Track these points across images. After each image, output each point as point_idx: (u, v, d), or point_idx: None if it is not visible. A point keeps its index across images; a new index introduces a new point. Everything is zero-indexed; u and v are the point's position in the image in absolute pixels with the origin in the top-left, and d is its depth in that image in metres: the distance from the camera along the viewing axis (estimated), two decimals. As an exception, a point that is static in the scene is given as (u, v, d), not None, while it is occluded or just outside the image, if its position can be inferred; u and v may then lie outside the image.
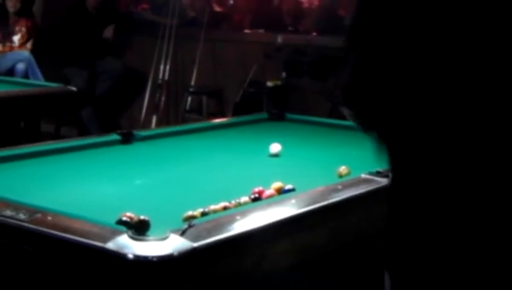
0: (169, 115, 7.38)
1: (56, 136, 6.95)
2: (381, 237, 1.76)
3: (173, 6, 7.30)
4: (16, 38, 7.38)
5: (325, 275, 3.41)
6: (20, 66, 7.17)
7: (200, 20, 7.28)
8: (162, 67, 7.22)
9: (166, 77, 7.22)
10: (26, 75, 7.13)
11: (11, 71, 7.13)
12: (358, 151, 3.54)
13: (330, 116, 5.92)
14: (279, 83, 6.56)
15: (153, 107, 7.24)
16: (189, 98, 6.96)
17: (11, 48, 7.33)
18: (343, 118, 5.13)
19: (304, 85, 6.56)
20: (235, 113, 6.47)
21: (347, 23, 6.60)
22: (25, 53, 7.27)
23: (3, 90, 5.20)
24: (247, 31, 7.24)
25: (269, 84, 6.56)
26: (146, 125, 7.14)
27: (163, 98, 7.23)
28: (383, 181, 2.77)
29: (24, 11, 7.46)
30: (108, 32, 7.42)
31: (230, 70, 6.92)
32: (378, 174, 2.83)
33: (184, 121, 6.95)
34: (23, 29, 7.41)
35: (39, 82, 6.48)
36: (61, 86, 5.57)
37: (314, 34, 6.85)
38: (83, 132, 7.30)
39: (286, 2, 7.13)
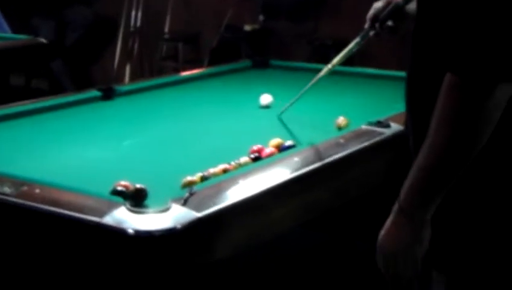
0: (143, 64, 7.14)
1: (26, 89, 6.70)
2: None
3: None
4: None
5: (321, 228, 3.30)
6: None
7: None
8: (133, 13, 6.95)
9: (138, 24, 6.95)
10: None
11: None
12: (352, 99, 3.42)
13: (310, 60, 5.75)
14: (256, 26, 6.35)
15: (126, 56, 6.99)
16: (164, 46, 6.71)
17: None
18: (325, 62, 4.96)
19: (283, 28, 6.35)
20: (212, 60, 6.27)
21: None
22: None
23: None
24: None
25: (247, 28, 6.35)
26: (120, 75, 6.92)
27: (136, 46, 6.98)
28: (385, 132, 2.65)
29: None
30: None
31: (205, 15, 6.68)
32: (379, 124, 2.70)
33: (160, 69, 6.73)
34: None
35: (6, 35, 6.19)
36: (30, 38, 5.33)
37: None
38: (55, 84, 7.05)
39: None
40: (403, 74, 3.89)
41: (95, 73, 7.35)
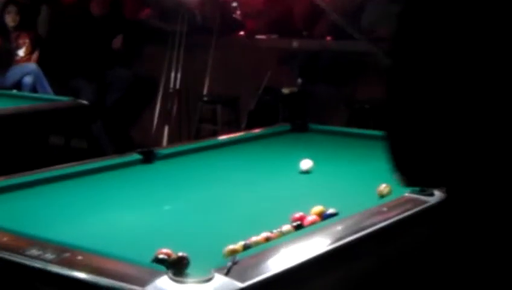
0: (182, 125, 7.19)
1: (65, 149, 6.78)
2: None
3: (182, 13, 7.12)
4: (21, 52, 7.20)
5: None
6: (28, 79, 6.99)
7: (210, 26, 7.10)
8: (173, 75, 7.04)
9: (177, 86, 7.03)
10: (34, 89, 6.96)
11: (18, 85, 6.95)
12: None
13: (349, 123, 5.75)
14: (295, 89, 6.37)
15: (165, 117, 7.06)
16: (203, 108, 6.77)
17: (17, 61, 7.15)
18: (364, 126, 4.96)
19: (320, 91, 6.37)
20: (250, 122, 6.29)
21: (363, 26, 6.49)
22: (32, 65, 7.09)
23: (12, 106, 5.04)
24: (260, 36, 7.04)
25: (284, 91, 6.37)
26: (158, 136, 6.97)
27: (175, 108, 7.05)
28: (429, 200, 2.60)
29: (24, 24, 7.29)
30: (117, 42, 7.26)
31: (244, 78, 6.73)
32: (423, 192, 2.65)
33: (198, 131, 6.77)
34: (27, 41, 7.24)
35: (48, 96, 6.31)
36: (72, 99, 5.42)
37: (329, 38, 6.65)
38: (93, 145, 7.13)
39: (298, 6, 6.93)
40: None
41: (134, 134, 7.42)
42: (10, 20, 7.16)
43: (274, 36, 6.94)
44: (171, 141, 6.87)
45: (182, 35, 7.02)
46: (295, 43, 6.38)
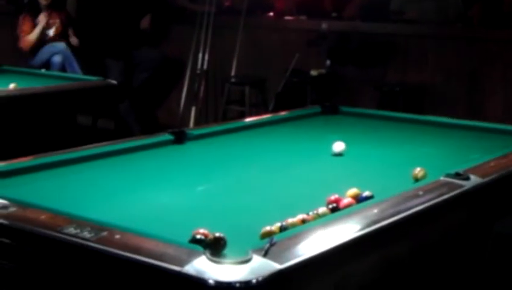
0: (209, 106, 7.19)
1: (93, 129, 6.81)
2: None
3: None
4: (51, 31, 7.22)
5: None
6: (57, 59, 7.02)
7: (238, 7, 7.07)
8: (200, 56, 7.03)
9: (205, 67, 7.02)
10: (63, 68, 6.98)
11: (47, 64, 6.98)
12: (425, 149, 3.36)
13: (379, 106, 5.71)
14: (323, 71, 6.34)
15: (192, 98, 7.06)
16: (230, 89, 6.75)
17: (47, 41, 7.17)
18: (394, 108, 4.92)
19: (349, 74, 6.33)
20: (278, 104, 6.27)
21: (393, 8, 6.42)
22: (61, 45, 7.11)
23: (40, 85, 5.06)
24: (288, 17, 7.00)
25: (313, 73, 6.34)
26: (185, 117, 6.97)
27: (202, 89, 7.04)
28: (465, 184, 2.57)
29: (56, 4, 7.30)
30: (145, 22, 7.25)
31: (272, 59, 6.71)
32: (458, 176, 2.63)
33: (225, 112, 6.76)
34: (57, 21, 7.26)
35: (77, 76, 6.33)
36: (100, 79, 5.42)
37: (358, 20, 6.60)
38: (120, 125, 7.15)
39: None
40: (476, 123, 3.84)
41: (161, 115, 7.43)
42: None
43: (303, 17, 6.89)
44: (197, 122, 6.88)
45: (210, 16, 7.00)
46: (324, 25, 6.32)
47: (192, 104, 7.02)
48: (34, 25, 7.14)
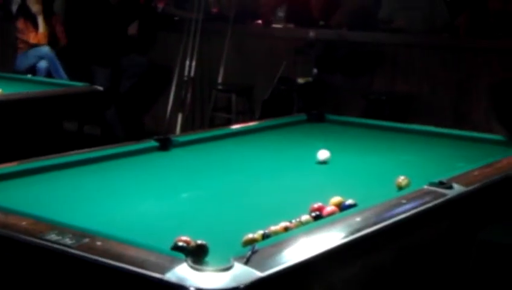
0: (195, 113, 7.19)
1: (79, 135, 6.79)
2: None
3: (198, 1, 7.09)
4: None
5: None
6: (42, 64, 7.00)
7: (226, 14, 7.07)
8: (187, 63, 7.02)
9: (192, 74, 7.02)
10: (48, 73, 6.96)
11: (33, 69, 6.96)
12: (410, 157, 3.37)
13: (365, 114, 5.72)
14: (310, 79, 6.35)
15: (179, 105, 7.05)
16: (217, 96, 6.75)
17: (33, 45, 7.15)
18: (380, 117, 4.90)
19: (337, 82, 6.34)
20: (264, 112, 6.28)
21: (380, 17, 6.45)
22: (46, 49, 7.08)
23: (26, 91, 5.04)
24: (276, 25, 7.01)
25: (300, 81, 6.35)
26: (171, 123, 6.96)
27: (189, 96, 7.03)
28: (448, 193, 2.58)
29: (47, 10, 7.28)
30: (133, 29, 7.25)
31: (259, 67, 6.72)
32: (442, 185, 2.63)
33: (211, 119, 6.75)
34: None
35: (63, 81, 6.31)
36: (86, 85, 5.41)
37: (345, 29, 6.62)
38: (107, 131, 7.14)
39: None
40: (461, 132, 3.85)
41: (147, 121, 7.42)
42: (33, 4, 7.14)
43: (290, 25, 6.91)
44: (184, 129, 6.86)
45: (198, 23, 6.99)
46: (312, 33, 6.34)
47: (179, 111, 7.01)
48: (32, 26, 7.11)
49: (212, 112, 6.76)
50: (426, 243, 2.51)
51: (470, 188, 2.67)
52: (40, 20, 7.09)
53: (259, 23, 7.17)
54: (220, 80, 6.86)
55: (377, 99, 5.98)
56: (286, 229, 2.14)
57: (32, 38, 7.08)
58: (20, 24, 7.14)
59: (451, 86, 5.95)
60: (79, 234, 1.99)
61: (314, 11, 7.09)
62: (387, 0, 6.55)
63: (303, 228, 2.16)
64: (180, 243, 1.93)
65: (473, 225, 2.75)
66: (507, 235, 3.22)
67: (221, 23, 7.01)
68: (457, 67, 5.93)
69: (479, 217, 2.81)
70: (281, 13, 7.05)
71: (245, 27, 7.04)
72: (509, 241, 3.26)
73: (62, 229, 2.03)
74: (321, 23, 6.84)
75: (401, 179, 2.71)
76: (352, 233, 2.14)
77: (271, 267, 1.84)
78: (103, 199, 2.52)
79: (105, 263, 1.85)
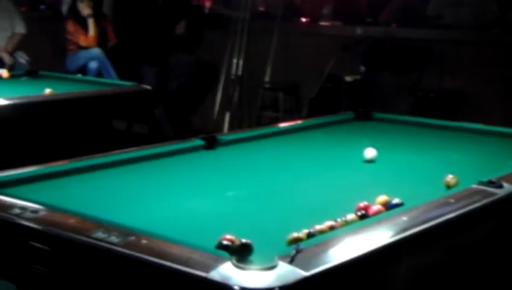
0: (243, 112, 7.20)
1: (128, 133, 6.87)
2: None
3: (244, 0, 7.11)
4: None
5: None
6: (93, 65, 7.09)
7: (272, 12, 7.07)
8: (235, 62, 7.05)
9: (239, 72, 7.04)
10: (99, 73, 7.05)
11: (83, 70, 7.05)
12: (459, 156, 3.31)
13: (413, 112, 5.66)
14: (358, 77, 6.30)
15: (226, 104, 7.07)
16: (264, 95, 6.75)
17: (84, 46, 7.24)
18: (428, 115, 4.84)
19: (384, 79, 6.28)
20: (311, 110, 6.26)
21: (428, 13, 6.36)
22: (97, 51, 7.17)
23: (77, 90, 5.11)
24: (323, 23, 6.98)
25: (347, 78, 6.31)
26: (219, 122, 6.99)
27: (236, 94, 7.05)
28: (498, 192, 2.53)
29: (97, 12, 7.37)
30: (180, 28, 7.29)
31: (306, 65, 6.69)
32: (491, 184, 2.58)
33: (259, 118, 6.76)
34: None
35: (112, 81, 6.38)
36: (135, 84, 5.46)
37: (393, 25, 6.55)
38: (155, 129, 7.20)
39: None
40: (509, 130, 3.77)
41: (195, 120, 7.46)
42: (84, 7, 7.21)
43: (337, 23, 6.87)
44: (232, 128, 6.89)
45: (245, 22, 7.01)
46: (359, 30, 6.30)
47: (227, 110, 7.04)
48: (82, 29, 7.20)
49: (260, 111, 6.77)
50: (475, 243, 2.47)
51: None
52: (91, 23, 7.16)
53: (305, 21, 7.14)
54: (267, 78, 6.86)
55: (425, 96, 5.91)
56: (331, 228, 2.12)
57: (82, 40, 7.17)
58: (70, 26, 7.24)
59: (501, 83, 5.84)
60: (125, 232, 2.01)
61: (361, 7, 7.03)
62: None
63: (349, 227, 2.14)
64: (225, 242, 1.93)
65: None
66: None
67: (267, 21, 7.01)
68: (507, 63, 5.81)
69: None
70: (327, 10, 7.01)
71: (291, 25, 7.02)
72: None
73: (108, 227, 2.05)
74: (368, 20, 6.79)
75: (450, 178, 2.67)
76: (398, 232, 2.11)
77: (316, 267, 1.83)
78: (149, 198, 2.54)
79: (150, 260, 1.86)
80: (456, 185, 2.64)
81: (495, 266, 2.61)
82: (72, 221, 2.12)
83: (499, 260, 2.64)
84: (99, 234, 2.00)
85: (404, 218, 2.21)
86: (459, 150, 3.43)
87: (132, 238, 1.98)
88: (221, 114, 7.04)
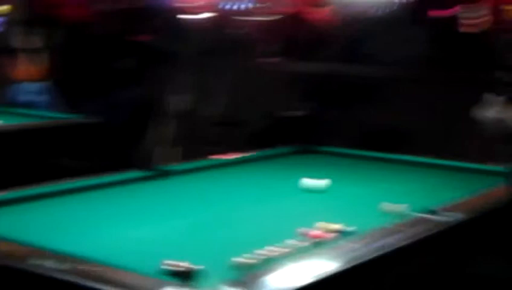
0: (189, 147, 7.19)
1: (69, 167, 6.78)
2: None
3: (191, 35, 7.16)
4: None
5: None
6: (37, 98, 7.03)
7: (219, 49, 7.13)
8: (181, 97, 7.06)
9: (185, 107, 7.05)
10: (45, 106, 6.98)
11: (27, 102, 6.98)
12: (398, 186, 3.37)
13: (357, 146, 5.73)
14: (301, 113, 6.39)
15: (169, 138, 7.06)
16: (210, 129, 6.78)
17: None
18: (373, 149, 4.87)
19: (328, 115, 6.37)
20: (257, 145, 6.28)
21: (365, 50, 6.51)
22: (40, 84, 7.11)
23: (20, 122, 5.06)
24: (267, 59, 7.07)
25: (292, 114, 6.39)
26: (163, 156, 6.97)
27: (181, 129, 7.05)
28: (440, 221, 2.59)
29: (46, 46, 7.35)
30: (127, 63, 7.29)
31: (251, 101, 6.75)
32: (432, 213, 2.64)
33: (203, 152, 6.75)
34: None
35: (57, 114, 6.32)
36: (80, 117, 5.44)
37: (336, 62, 6.68)
38: (98, 163, 7.12)
39: (305, 30, 6.97)
40: (451, 162, 3.85)
41: (138, 153, 7.42)
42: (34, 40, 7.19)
43: (281, 59, 6.97)
44: (175, 162, 6.85)
45: (191, 57, 7.04)
46: (303, 66, 6.40)
47: (170, 144, 7.02)
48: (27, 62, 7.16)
49: (202, 146, 6.77)
50: (412, 274, 2.51)
51: (460, 217, 2.67)
52: (35, 56, 7.13)
53: (253, 58, 7.22)
54: (211, 113, 6.89)
55: (370, 131, 6.01)
56: (275, 255, 2.12)
57: (29, 73, 7.12)
58: (13, 59, 7.19)
59: (437, 118, 5.99)
60: (61, 258, 1.99)
61: (304, 45, 7.15)
62: (375, 34, 6.63)
63: (293, 254, 2.14)
64: (168, 267, 1.93)
65: (460, 256, 2.76)
66: (495, 268, 3.23)
67: (213, 57, 7.06)
68: (445, 98, 5.98)
69: (467, 248, 2.81)
70: (273, 48, 7.11)
71: (238, 61, 7.08)
72: (497, 274, 3.27)
73: (44, 253, 2.03)
74: (311, 56, 6.90)
75: (389, 207, 2.72)
76: (345, 261, 2.12)
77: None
78: (88, 227, 2.53)
79: (87, 285, 1.84)
80: (395, 213, 2.68)
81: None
82: (7, 248, 2.10)
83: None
84: (40, 261, 1.98)
85: (354, 245, 2.24)
86: (398, 181, 3.49)
87: (69, 264, 1.96)
88: (164, 148, 7.03)
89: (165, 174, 3.35)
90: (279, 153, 4.13)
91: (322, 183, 3.16)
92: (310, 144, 4.24)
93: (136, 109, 7.26)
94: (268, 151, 4.15)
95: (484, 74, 5.90)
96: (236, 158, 3.95)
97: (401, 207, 2.72)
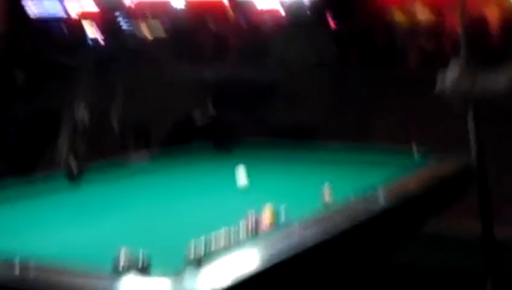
0: (93, 156, 7.00)
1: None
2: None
3: (86, 46, 7.01)
4: None
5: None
6: None
7: (119, 56, 7.01)
8: (79, 106, 6.85)
9: (85, 117, 6.85)
10: None
11: None
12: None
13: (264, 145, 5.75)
14: (207, 118, 6.34)
15: (72, 149, 6.84)
16: (114, 136, 6.64)
17: None
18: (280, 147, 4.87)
19: (233, 118, 6.36)
20: (163, 151, 6.21)
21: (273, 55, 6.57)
22: None
23: None
24: (171, 65, 7.00)
25: (197, 118, 6.33)
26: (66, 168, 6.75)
27: (84, 139, 6.85)
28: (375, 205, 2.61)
29: None
30: (19, 76, 7.03)
31: (156, 107, 6.65)
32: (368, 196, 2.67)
33: (109, 161, 6.60)
34: None
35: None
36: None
37: (238, 65, 6.70)
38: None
39: (209, 35, 6.97)
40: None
41: (42, 167, 7.17)
42: None
43: (185, 65, 6.92)
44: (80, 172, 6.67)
45: (87, 68, 6.87)
46: (206, 72, 6.39)
47: (73, 155, 6.80)
48: None
49: (108, 154, 6.61)
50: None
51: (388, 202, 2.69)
52: None
53: (153, 64, 7.14)
54: (115, 122, 6.74)
55: (276, 131, 6.03)
56: (224, 244, 2.07)
57: None
58: None
59: (345, 115, 6.10)
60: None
61: (205, 49, 7.15)
62: (277, 35, 6.71)
63: (242, 243, 2.10)
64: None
65: (388, 244, 2.79)
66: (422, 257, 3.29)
67: (113, 66, 6.92)
68: (352, 96, 6.09)
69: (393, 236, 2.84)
70: (174, 53, 7.07)
71: (139, 69, 6.98)
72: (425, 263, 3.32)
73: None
74: (214, 61, 6.91)
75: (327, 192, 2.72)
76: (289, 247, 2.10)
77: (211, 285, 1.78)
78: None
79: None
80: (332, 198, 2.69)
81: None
82: None
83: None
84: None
85: (300, 231, 2.21)
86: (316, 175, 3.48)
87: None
88: (69, 159, 6.80)
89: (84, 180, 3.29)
90: (187, 156, 4.20)
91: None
92: (220, 147, 4.24)
93: (32, 123, 7.00)
94: (178, 155, 4.15)
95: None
96: (146, 164, 3.90)
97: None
